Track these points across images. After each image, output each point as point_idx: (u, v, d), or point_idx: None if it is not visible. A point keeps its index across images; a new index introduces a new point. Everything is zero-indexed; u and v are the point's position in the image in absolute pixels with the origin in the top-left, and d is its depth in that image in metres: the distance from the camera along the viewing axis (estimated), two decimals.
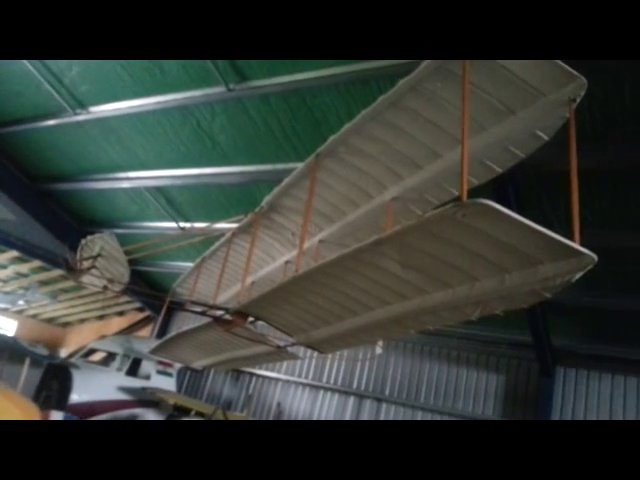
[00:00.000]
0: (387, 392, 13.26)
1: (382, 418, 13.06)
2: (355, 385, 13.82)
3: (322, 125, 8.25)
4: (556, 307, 9.61)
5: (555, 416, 10.94)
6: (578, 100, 3.29)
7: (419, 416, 12.60)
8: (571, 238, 2.79)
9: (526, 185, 7.47)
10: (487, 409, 11.88)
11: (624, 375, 10.65)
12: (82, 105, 10.39)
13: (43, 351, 13.21)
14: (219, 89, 8.49)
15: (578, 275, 2.89)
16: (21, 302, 18.92)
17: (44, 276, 17.80)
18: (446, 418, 12.25)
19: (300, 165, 5.05)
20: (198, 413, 11.73)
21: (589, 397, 10.89)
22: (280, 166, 9.46)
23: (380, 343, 11.14)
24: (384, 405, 13.18)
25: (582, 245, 2.74)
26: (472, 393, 12.18)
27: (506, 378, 11.96)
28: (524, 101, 3.48)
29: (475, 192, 3.05)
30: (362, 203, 4.99)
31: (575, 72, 3.19)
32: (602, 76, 5.85)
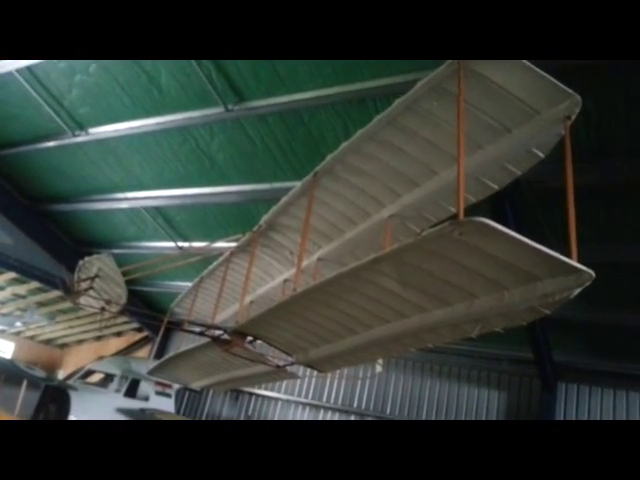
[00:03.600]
0: (388, 410, 13.13)
1: None
2: (356, 404, 13.69)
3: (320, 144, 8.31)
4: (556, 323, 9.58)
5: None
6: (573, 117, 3.32)
7: None
8: (569, 254, 2.79)
9: (523, 202, 7.49)
10: None
11: (626, 390, 10.57)
12: (81, 127, 10.46)
13: (40, 373, 13.05)
14: (218, 110, 8.56)
15: (576, 291, 2.89)
16: (18, 324, 18.82)
17: (42, 297, 17.72)
18: None
19: (298, 184, 5.07)
20: None
21: (591, 413, 10.80)
22: (278, 185, 9.49)
23: (380, 361, 11.06)
24: None
25: (580, 261, 2.75)
26: (474, 410, 12.07)
27: (507, 394, 11.87)
28: (519, 119, 3.51)
29: (473, 209, 3.07)
30: (360, 221, 5.00)
31: (569, 90, 3.23)
32: (596, 94, 5.92)
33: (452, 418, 12.22)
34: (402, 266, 3.20)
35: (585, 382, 11.04)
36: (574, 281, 2.80)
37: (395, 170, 4.32)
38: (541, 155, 3.66)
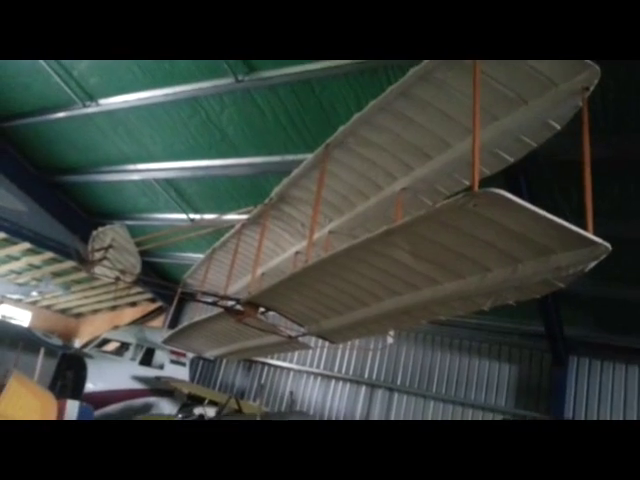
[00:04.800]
0: (399, 382, 13.30)
1: (394, 408, 13.12)
2: (367, 375, 13.87)
3: (331, 116, 8.21)
4: (569, 297, 9.55)
5: (568, 406, 10.92)
6: (591, 89, 3.24)
7: (431, 406, 12.63)
8: (584, 227, 2.76)
9: (538, 175, 7.39)
10: (499, 399, 11.87)
11: (638, 365, 10.60)
12: (91, 97, 10.41)
13: (57, 341, 13.33)
14: (228, 80, 8.46)
15: (591, 265, 2.87)
16: (34, 293, 19.09)
17: (56, 267, 17.96)
18: (458, 408, 12.27)
19: (309, 156, 5.04)
20: (212, 402, 11.84)
21: (602, 387, 10.85)
22: (289, 157, 9.44)
23: (391, 333, 11.14)
24: (396, 395, 13.23)
25: (595, 234, 2.72)
26: (484, 383, 12.17)
27: (518, 368, 11.94)
28: (536, 90, 3.44)
29: (486, 182, 3.03)
30: (372, 194, 4.97)
31: (588, 60, 3.14)
32: (615, 65, 5.75)
33: (462, 391, 12.34)
34: (415, 238, 3.18)
35: (597, 357, 11.07)
36: (589, 254, 2.77)
37: (408, 142, 4.26)
38: (557, 127, 3.59)
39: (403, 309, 4.17)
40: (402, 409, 13.00)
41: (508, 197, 2.46)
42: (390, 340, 11.87)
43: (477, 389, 12.22)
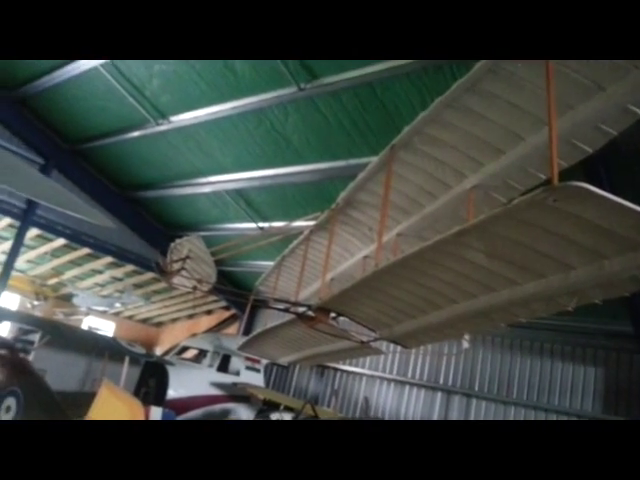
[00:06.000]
0: (477, 387, 12.86)
1: (472, 414, 12.70)
2: (442, 380, 13.53)
3: (394, 117, 8.13)
4: None
5: None
6: None
7: (512, 412, 12.12)
8: None
9: (620, 164, 6.95)
10: (586, 404, 11.20)
11: None
12: (163, 115, 10.90)
13: (140, 350, 13.98)
14: (291, 89, 8.61)
15: None
16: (118, 304, 20.09)
17: (137, 279, 18.85)
18: (541, 413, 11.70)
19: (373, 159, 4.99)
20: (287, 408, 11.96)
21: None
22: (353, 161, 9.44)
23: (466, 337, 10.81)
24: (474, 401, 12.80)
25: None
26: (568, 388, 11.53)
27: (605, 371, 11.22)
28: (614, 75, 3.22)
29: (564, 175, 2.87)
30: (440, 194, 4.84)
31: None
32: None
33: (545, 396, 11.76)
34: (490, 237, 3.05)
35: None
36: None
37: (477, 138, 4.12)
38: (639, 113, 3.35)
39: (480, 312, 4.01)
40: (481, 416, 12.56)
41: (591, 190, 2.32)
42: (466, 345, 11.55)
43: (561, 394, 11.59)
